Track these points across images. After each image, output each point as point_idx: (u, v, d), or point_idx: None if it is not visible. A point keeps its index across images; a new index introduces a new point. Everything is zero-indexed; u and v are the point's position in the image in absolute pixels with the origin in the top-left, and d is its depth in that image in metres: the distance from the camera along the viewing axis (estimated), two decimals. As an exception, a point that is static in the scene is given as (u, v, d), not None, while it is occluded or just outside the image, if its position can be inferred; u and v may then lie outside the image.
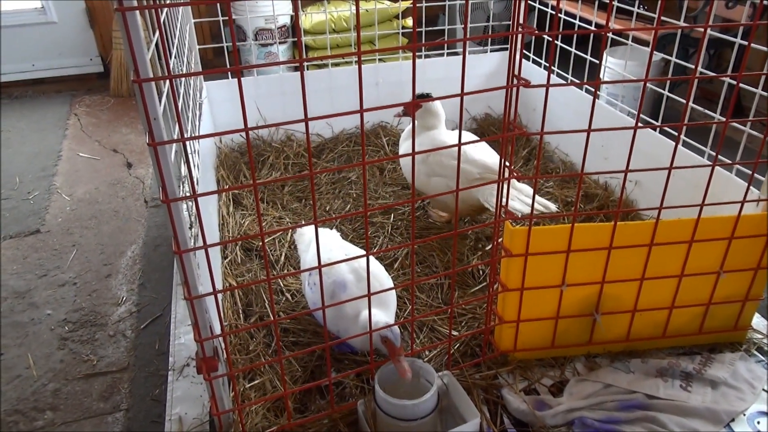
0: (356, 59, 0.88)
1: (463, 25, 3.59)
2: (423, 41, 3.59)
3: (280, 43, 3.36)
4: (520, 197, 1.68)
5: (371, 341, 1.22)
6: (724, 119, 1.20)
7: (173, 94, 0.85)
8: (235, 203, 2.13)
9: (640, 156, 1.76)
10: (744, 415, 1.33)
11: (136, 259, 1.97)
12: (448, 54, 2.54)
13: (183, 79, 1.78)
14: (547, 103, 1.12)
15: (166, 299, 1.76)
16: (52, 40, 3.55)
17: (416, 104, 1.86)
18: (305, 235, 1.68)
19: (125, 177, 2.56)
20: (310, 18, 3.34)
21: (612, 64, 2.69)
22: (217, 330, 1.09)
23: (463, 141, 1.84)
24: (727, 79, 1.57)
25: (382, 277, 1.42)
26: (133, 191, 2.44)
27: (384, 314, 1.33)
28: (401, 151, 1.95)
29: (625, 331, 1.44)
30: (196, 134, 1.87)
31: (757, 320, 1.54)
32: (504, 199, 1.24)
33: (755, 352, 1.49)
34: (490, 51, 2.57)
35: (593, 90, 1.13)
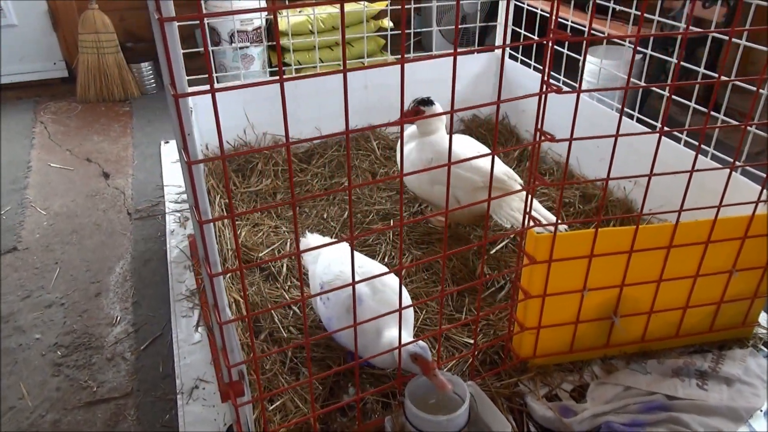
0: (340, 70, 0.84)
1: (438, 27, 3.59)
2: (399, 43, 3.56)
3: (254, 45, 3.28)
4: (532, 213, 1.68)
5: (400, 359, 1.19)
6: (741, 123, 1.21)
7: (215, 108, 0.80)
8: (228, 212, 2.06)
9: (639, 156, 1.78)
10: (761, 411, 1.35)
11: (126, 275, 1.88)
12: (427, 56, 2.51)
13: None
14: (577, 109, 1.11)
15: (164, 317, 1.68)
16: (12, 43, 3.37)
17: (418, 111, 1.83)
18: (311, 245, 1.63)
19: (103, 188, 2.45)
20: (286, 20, 3.27)
21: (590, 62, 2.74)
22: (238, 353, 1.04)
23: (465, 147, 1.84)
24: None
25: (397, 290, 1.39)
26: (114, 203, 2.33)
27: (404, 330, 1.30)
28: (399, 157, 1.92)
29: (640, 332, 1.45)
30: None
31: (762, 315, 1.58)
32: (528, 208, 1.23)
33: (762, 347, 1.52)
34: (477, 53, 2.57)
35: (623, 91, 1.12)
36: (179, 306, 1.72)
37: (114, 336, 1.62)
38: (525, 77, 2.47)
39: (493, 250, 1.84)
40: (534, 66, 2.36)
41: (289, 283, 1.73)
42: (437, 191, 1.79)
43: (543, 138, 1.13)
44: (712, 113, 1.22)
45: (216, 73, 2.34)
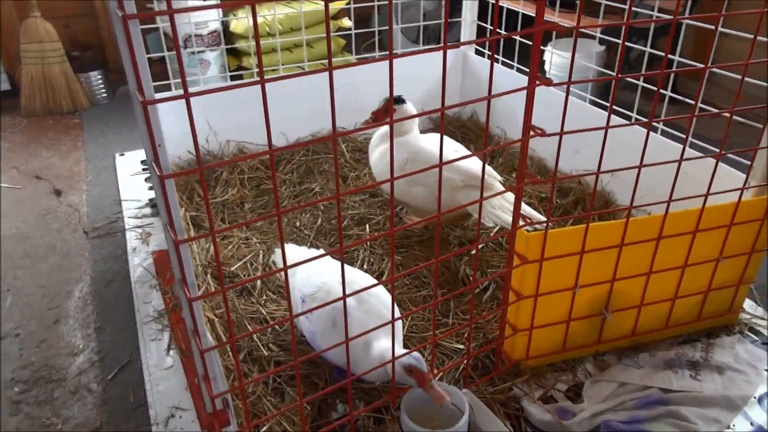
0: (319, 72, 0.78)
1: (399, 25, 3.53)
2: (360, 43, 3.52)
3: (211, 49, 3.16)
4: (510, 207, 1.64)
5: (393, 373, 1.13)
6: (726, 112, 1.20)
7: (190, 115, 0.72)
8: (195, 226, 1.95)
9: (615, 145, 1.76)
10: (755, 398, 1.35)
11: (86, 299, 1.75)
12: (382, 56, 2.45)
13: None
14: (567, 102, 1.07)
15: (131, 342, 1.56)
16: (-55, 56, 3.15)
17: (388, 109, 1.77)
18: (288, 256, 1.54)
19: (55, 206, 2.29)
20: (244, 22, 3.16)
21: (559, 55, 2.74)
22: (221, 380, 0.95)
23: (440, 146, 1.78)
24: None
25: (385, 299, 1.32)
26: (68, 222, 2.18)
27: (396, 342, 1.24)
28: (374, 159, 1.85)
29: (631, 326, 1.43)
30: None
31: (746, 302, 1.58)
32: (511, 209, 1.18)
33: (748, 333, 1.52)
34: (464, 45, 2.52)
35: (610, 86, 1.09)
36: (147, 329, 1.61)
37: (77, 366, 1.50)
38: (494, 73, 2.43)
39: (474, 251, 1.79)
40: (503, 61, 2.33)
41: (264, 297, 1.64)
42: (416, 193, 1.73)
43: (533, 133, 1.08)
44: (688, 102, 1.21)
45: (172, 79, 2.22)
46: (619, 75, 1.06)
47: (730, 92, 1.49)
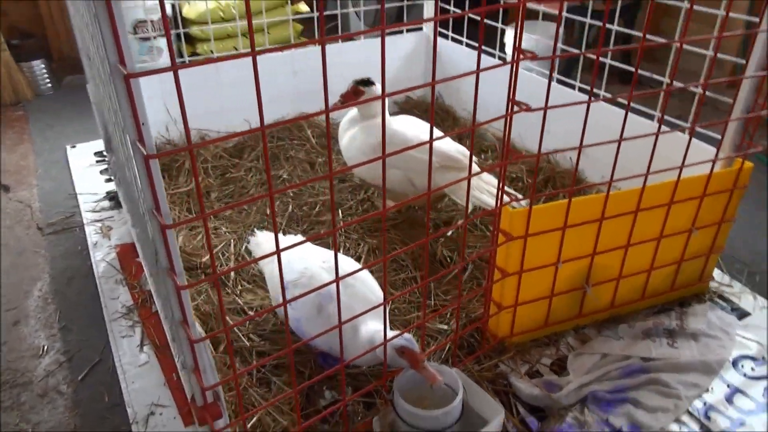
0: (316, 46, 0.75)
1: (355, 9, 3.48)
2: (317, 28, 3.43)
3: (161, 36, 3.03)
4: (489, 188, 1.63)
5: (385, 356, 1.11)
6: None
7: (179, 89, 0.67)
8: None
9: (581, 124, 1.79)
10: (729, 361, 1.40)
11: (46, 298, 1.65)
12: (346, 40, 2.41)
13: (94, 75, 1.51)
14: (551, 79, 1.06)
15: (100, 340, 1.49)
16: None
17: (358, 92, 1.73)
18: (263, 245, 1.50)
19: (4, 203, 2.15)
20: (198, 6, 3.04)
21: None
22: (212, 372, 0.91)
23: (413, 128, 1.76)
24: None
25: (370, 283, 1.30)
26: (20, 218, 2.06)
27: (380, 323, 1.22)
28: (344, 143, 1.82)
29: (610, 299, 1.46)
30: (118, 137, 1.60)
31: (715, 271, 1.63)
32: (493, 190, 1.18)
33: (718, 300, 1.58)
34: (406, 31, 2.50)
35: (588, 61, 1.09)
36: (116, 326, 1.53)
37: (43, 368, 1.42)
38: (457, 54, 2.43)
39: (450, 232, 1.79)
40: (466, 43, 2.32)
41: (240, 287, 1.58)
42: (391, 176, 1.70)
43: (518, 108, 1.07)
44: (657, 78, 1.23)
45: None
46: (602, 49, 1.06)
47: (679, 71, 1.53)
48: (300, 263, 1.31)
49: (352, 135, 1.79)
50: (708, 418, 1.26)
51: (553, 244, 1.28)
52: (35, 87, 3.09)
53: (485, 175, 1.66)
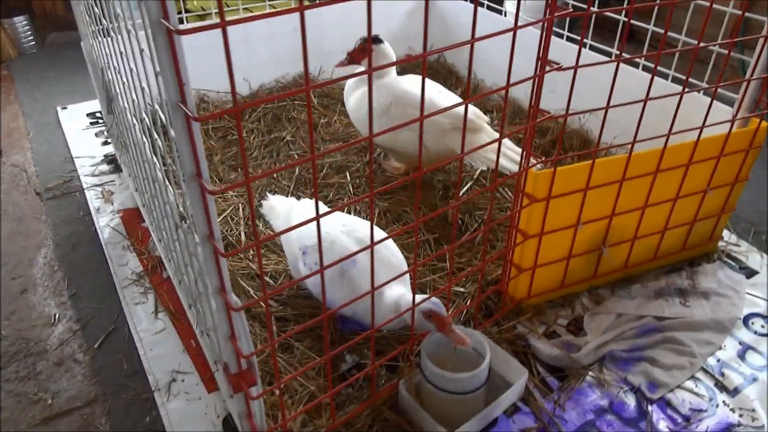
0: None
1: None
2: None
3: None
4: (507, 153, 1.61)
5: (413, 320, 1.11)
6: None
7: (226, 46, 0.63)
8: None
9: (593, 82, 1.76)
10: (740, 319, 1.42)
11: (52, 265, 1.62)
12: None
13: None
14: (583, 33, 1.03)
15: (113, 308, 1.47)
16: None
17: (365, 49, 1.69)
18: (276, 208, 1.47)
19: (-3, 167, 2.09)
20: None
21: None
22: (247, 339, 0.90)
23: (416, 86, 1.72)
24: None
25: (391, 246, 1.29)
26: (16, 183, 2.00)
27: (405, 288, 1.21)
28: (352, 104, 1.77)
29: (624, 259, 1.47)
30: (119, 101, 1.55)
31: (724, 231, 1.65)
32: (528, 147, 1.16)
33: (726, 259, 1.60)
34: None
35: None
36: (128, 293, 1.51)
37: (57, 337, 1.40)
38: (460, 11, 2.37)
39: (462, 192, 1.78)
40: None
41: (252, 252, 1.57)
42: (402, 138, 1.67)
43: (549, 68, 1.05)
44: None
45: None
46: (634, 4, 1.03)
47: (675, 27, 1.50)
48: (321, 226, 1.29)
49: (360, 96, 1.75)
50: (722, 374, 1.29)
51: (574, 205, 1.27)
52: (18, 45, 2.96)
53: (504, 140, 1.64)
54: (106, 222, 1.76)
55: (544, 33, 1.02)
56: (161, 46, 0.63)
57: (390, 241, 1.28)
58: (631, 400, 1.23)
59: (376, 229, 1.30)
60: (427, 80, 1.77)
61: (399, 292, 1.18)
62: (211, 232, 0.77)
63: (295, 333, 1.09)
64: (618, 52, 1.39)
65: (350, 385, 1.23)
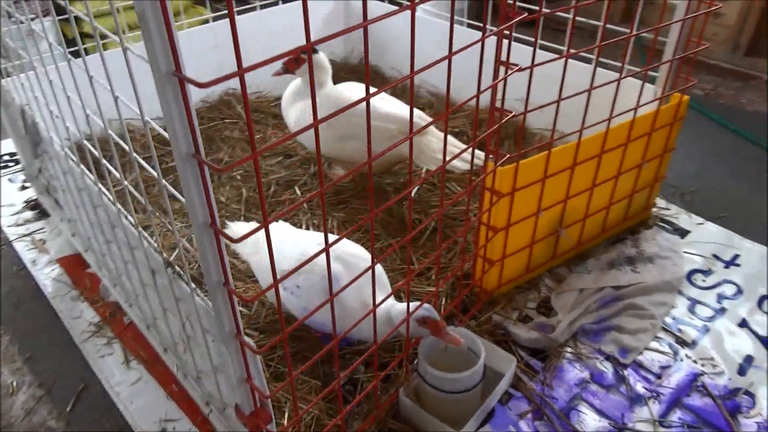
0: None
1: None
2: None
3: (43, 15, 2.69)
4: (454, 152, 1.65)
5: (408, 328, 1.13)
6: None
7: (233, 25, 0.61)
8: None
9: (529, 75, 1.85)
10: (684, 277, 1.57)
11: (-6, 329, 1.49)
12: (263, 6, 2.28)
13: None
14: (538, 27, 1.09)
15: (75, 365, 1.37)
16: None
17: (300, 60, 1.67)
18: (239, 234, 1.43)
19: None
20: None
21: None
22: (261, 377, 0.89)
23: (357, 94, 1.73)
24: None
25: (366, 257, 1.30)
26: (-75, 245, 1.80)
27: (384, 294, 1.23)
28: (293, 117, 1.75)
29: (577, 237, 1.57)
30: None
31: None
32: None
33: (661, 224, 1.75)
34: (323, -5, 2.42)
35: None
36: (90, 346, 1.42)
37: (21, 407, 1.29)
38: (378, 9, 2.40)
39: (413, 193, 1.81)
40: (389, -1, 2.29)
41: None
42: (349, 146, 1.68)
43: (511, 71, 1.10)
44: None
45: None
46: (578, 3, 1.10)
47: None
48: (295, 248, 1.28)
49: (302, 108, 1.73)
50: (679, 330, 1.42)
51: (534, 195, 1.34)
52: None
53: (449, 138, 1.69)
54: (46, 274, 1.64)
55: (502, 38, 1.07)
56: (171, 99, 0.61)
57: (364, 253, 1.29)
58: (608, 368, 1.32)
59: (350, 243, 1.31)
60: (363, 86, 1.79)
61: (387, 303, 1.20)
62: (227, 278, 0.75)
63: (308, 366, 1.08)
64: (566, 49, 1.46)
65: (348, 401, 1.23)
